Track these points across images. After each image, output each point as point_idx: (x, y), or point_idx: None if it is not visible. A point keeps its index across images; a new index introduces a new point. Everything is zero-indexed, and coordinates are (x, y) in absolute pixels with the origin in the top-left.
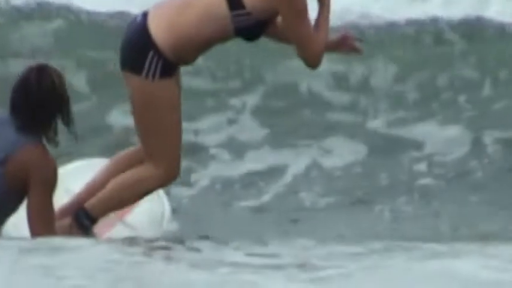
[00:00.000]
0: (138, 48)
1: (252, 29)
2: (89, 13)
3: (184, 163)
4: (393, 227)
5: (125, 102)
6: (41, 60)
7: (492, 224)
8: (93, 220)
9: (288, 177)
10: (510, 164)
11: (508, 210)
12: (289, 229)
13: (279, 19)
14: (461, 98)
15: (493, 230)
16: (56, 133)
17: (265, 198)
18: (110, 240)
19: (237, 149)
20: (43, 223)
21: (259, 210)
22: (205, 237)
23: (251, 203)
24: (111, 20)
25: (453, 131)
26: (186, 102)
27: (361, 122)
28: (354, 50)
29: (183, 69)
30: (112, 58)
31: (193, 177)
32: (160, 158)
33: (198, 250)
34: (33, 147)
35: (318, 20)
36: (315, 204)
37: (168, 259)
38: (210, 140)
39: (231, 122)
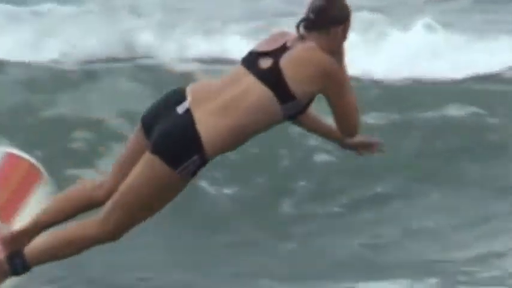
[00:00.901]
0: (182, 148)
1: (299, 112)
2: None
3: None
4: (329, 258)
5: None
6: None
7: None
8: (27, 268)
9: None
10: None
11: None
12: (220, 264)
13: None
14: None
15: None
16: None
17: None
18: None
19: None
20: None
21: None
22: None
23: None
24: None
25: None
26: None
27: None
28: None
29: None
30: None
31: None
32: (117, 225)
33: None
34: None
35: None
36: (239, 226)
37: None
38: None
39: None
